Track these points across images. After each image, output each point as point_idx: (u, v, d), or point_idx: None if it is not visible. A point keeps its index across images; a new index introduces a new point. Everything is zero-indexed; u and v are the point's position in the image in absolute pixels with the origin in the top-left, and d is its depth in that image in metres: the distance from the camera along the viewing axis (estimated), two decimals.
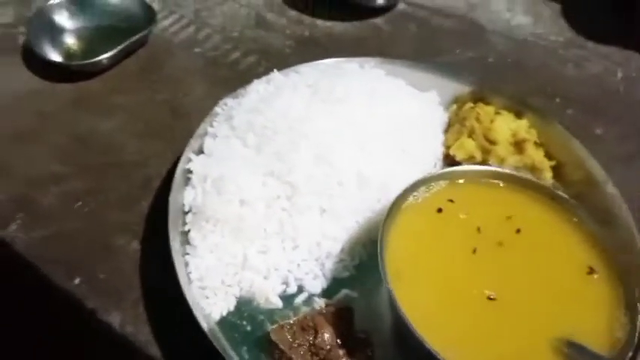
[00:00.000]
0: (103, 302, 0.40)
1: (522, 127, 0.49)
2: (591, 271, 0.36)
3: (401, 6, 0.69)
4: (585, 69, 0.63)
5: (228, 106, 0.46)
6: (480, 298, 0.34)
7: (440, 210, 0.39)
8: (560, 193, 0.40)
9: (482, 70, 0.60)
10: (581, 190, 0.45)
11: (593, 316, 0.34)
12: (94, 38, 0.59)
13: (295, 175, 0.40)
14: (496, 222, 0.38)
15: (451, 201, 0.39)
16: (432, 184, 0.40)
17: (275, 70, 0.49)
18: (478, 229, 0.38)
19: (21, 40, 0.59)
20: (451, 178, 0.41)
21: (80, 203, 0.45)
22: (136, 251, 0.42)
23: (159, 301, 0.39)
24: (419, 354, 0.32)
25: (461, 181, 0.41)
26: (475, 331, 0.33)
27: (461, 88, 0.53)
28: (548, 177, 0.47)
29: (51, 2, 0.58)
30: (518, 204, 0.39)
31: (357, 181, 0.42)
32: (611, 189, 0.44)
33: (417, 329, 0.32)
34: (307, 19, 0.67)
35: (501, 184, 0.41)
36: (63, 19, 0.59)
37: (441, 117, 0.51)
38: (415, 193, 0.39)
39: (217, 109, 0.46)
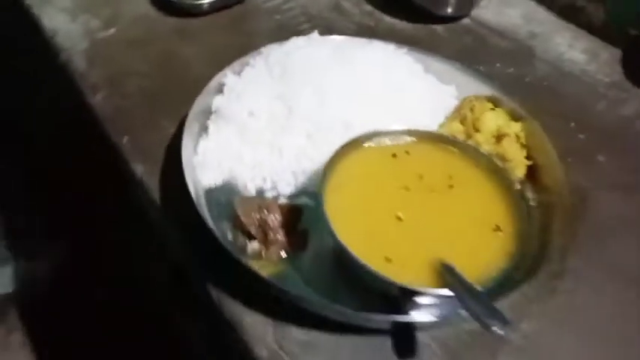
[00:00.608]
0: (134, 157, 0.54)
1: (512, 127, 0.54)
2: (497, 228, 0.42)
3: (465, 20, 0.77)
4: (617, 108, 0.65)
5: (271, 48, 0.58)
6: (391, 217, 0.42)
7: (394, 155, 0.47)
8: (500, 164, 0.47)
9: (514, 84, 0.66)
10: (548, 198, 0.50)
11: (479, 257, 0.40)
12: None
13: (295, 101, 0.51)
14: (437, 175, 0.46)
15: (407, 152, 0.47)
16: (397, 137, 0.48)
17: (316, 31, 0.60)
18: (419, 177, 0.45)
19: None
20: (415, 136, 0.49)
21: (148, 95, 0.61)
22: (170, 133, 0.55)
23: (173, 166, 0.52)
24: (335, 249, 0.41)
25: (423, 140, 0.48)
26: (380, 240, 0.41)
27: (481, 90, 0.59)
28: (520, 172, 0.52)
29: None
30: (462, 167, 0.46)
31: (345, 125, 0.51)
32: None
33: (335, 227, 0.41)
34: (378, 13, 0.77)
35: (455, 151, 0.48)
36: None
37: (449, 107, 0.58)
38: (380, 139, 0.48)
39: (262, 49, 0.58)
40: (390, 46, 0.61)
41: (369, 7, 0.78)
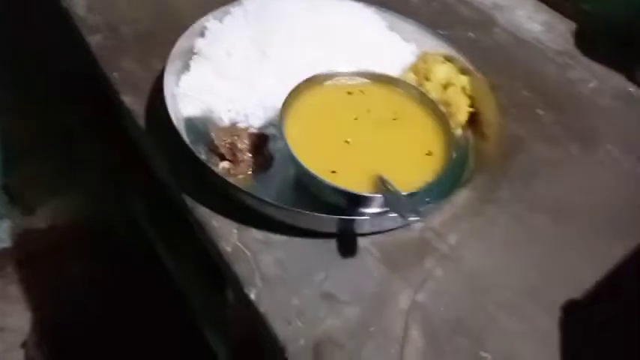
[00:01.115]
0: (124, 89, 0.61)
1: (460, 79, 0.61)
2: (429, 153, 0.49)
3: None
4: (564, 73, 0.72)
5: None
6: (340, 141, 0.50)
7: (350, 93, 0.55)
8: (437, 103, 0.54)
9: (472, 48, 0.73)
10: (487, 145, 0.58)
11: (411, 173, 0.48)
12: None
13: (268, 47, 0.58)
14: (383, 110, 0.53)
15: (362, 91, 0.55)
16: (355, 78, 0.56)
17: None
18: (368, 110, 0.53)
19: None
20: (370, 78, 0.56)
21: (142, 38, 0.67)
22: (159, 69, 0.61)
23: (158, 98, 0.59)
24: (292, 165, 0.48)
25: (376, 82, 0.56)
26: (329, 158, 0.49)
27: (438, 48, 0.66)
28: (462, 118, 0.59)
29: None
30: (407, 107, 0.54)
31: (311, 66, 0.57)
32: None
33: (292, 148, 0.48)
34: None
35: (403, 92, 0.55)
36: None
37: (408, 61, 0.65)
38: (340, 78, 0.55)
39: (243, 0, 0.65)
40: (359, 4, 0.68)
41: None
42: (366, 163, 0.48)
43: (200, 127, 0.56)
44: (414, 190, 0.45)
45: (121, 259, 1.13)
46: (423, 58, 0.63)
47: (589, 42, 0.77)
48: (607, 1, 0.77)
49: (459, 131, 0.59)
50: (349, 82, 0.55)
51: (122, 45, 0.66)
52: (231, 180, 0.50)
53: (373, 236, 0.50)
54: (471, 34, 0.76)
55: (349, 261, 0.48)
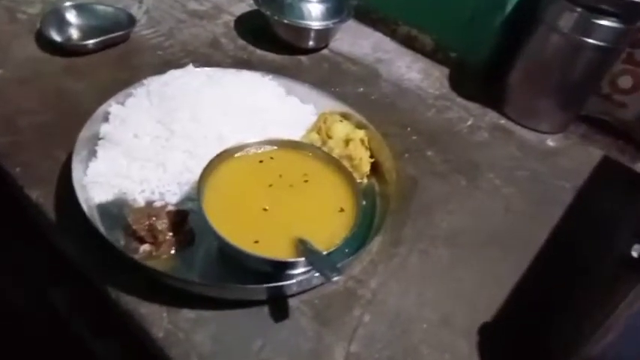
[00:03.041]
0: (28, 183, 0.59)
1: (357, 133, 0.67)
2: (341, 210, 0.54)
3: (325, 51, 0.92)
4: (444, 114, 0.82)
5: (152, 80, 0.67)
6: (259, 209, 0.53)
7: (261, 161, 0.58)
8: (345, 163, 0.60)
9: (363, 101, 0.80)
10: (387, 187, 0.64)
11: (327, 232, 0.51)
12: (89, 32, 0.82)
13: (174, 124, 0.60)
14: (294, 174, 0.57)
15: (272, 158, 0.59)
16: (263, 146, 0.59)
17: (191, 64, 0.70)
18: (280, 175, 0.57)
19: (38, 24, 0.83)
20: (277, 145, 0.60)
21: (41, 129, 0.66)
22: (63, 160, 0.61)
23: (66, 189, 0.58)
24: (216, 240, 0.50)
25: (283, 148, 0.60)
26: (246, 224, 0.51)
27: (334, 107, 0.72)
28: (365, 168, 0.65)
29: (66, 4, 0.83)
30: (315, 167, 0.58)
31: (217, 138, 0.61)
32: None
33: (213, 223, 0.50)
34: (250, 47, 0.89)
35: (310, 154, 0.60)
36: (71, 16, 0.83)
37: (308, 123, 0.71)
38: (250, 149, 0.59)
39: (144, 81, 0.67)
40: (257, 74, 0.73)
41: (242, 42, 0.90)
42: (285, 228, 0.51)
43: (114, 211, 0.56)
44: (332, 248, 0.49)
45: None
46: (323, 118, 0.69)
47: (461, 84, 0.89)
48: (468, 49, 0.89)
49: (364, 181, 0.65)
50: (259, 151, 0.59)
51: (20, 139, 0.64)
52: (152, 264, 0.51)
53: (301, 295, 0.52)
54: (360, 88, 0.84)
55: (283, 324, 0.50)
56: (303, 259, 0.48)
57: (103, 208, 0.56)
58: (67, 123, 0.66)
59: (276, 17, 0.85)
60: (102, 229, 0.52)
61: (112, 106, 0.63)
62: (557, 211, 0.68)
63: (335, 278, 0.44)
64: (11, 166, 0.61)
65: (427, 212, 0.64)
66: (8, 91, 0.71)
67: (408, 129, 0.77)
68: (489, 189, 0.70)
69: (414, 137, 0.76)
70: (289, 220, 0.52)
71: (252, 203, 0.53)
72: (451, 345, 0.51)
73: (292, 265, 0.49)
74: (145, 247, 0.53)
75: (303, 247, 0.49)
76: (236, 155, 0.58)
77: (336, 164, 0.59)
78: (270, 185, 0.55)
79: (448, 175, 0.71)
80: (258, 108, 0.66)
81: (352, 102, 0.74)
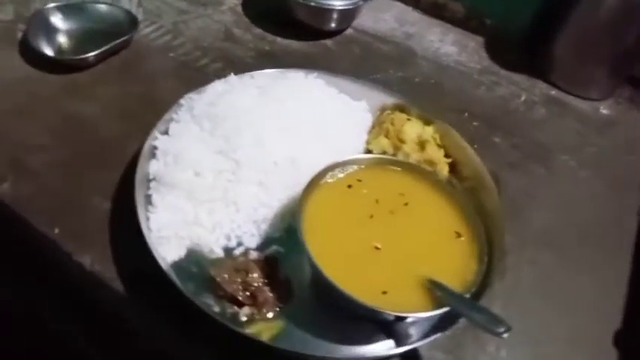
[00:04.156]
0: (77, 247, 0.49)
1: (428, 131, 0.61)
2: (458, 235, 0.48)
3: (349, 31, 0.82)
4: (494, 92, 0.76)
5: (191, 98, 0.57)
6: (370, 249, 0.46)
7: (350, 186, 0.50)
8: (441, 176, 0.53)
9: (408, 87, 0.73)
10: (470, 184, 0.57)
11: (453, 265, 0.45)
12: (84, 39, 0.69)
13: (238, 154, 0.51)
14: (391, 196, 0.50)
15: (359, 180, 0.51)
16: (347, 167, 0.52)
17: (232, 74, 0.60)
18: (376, 201, 0.49)
19: (19, 35, 0.69)
20: (361, 163, 0.52)
21: (62, 169, 0.55)
22: (107, 210, 0.52)
23: (123, 247, 0.49)
24: (325, 289, 0.43)
25: (369, 166, 0.52)
26: (363, 271, 0.44)
27: (386, 100, 0.64)
28: (444, 171, 0.59)
29: (48, 6, 0.69)
30: (409, 184, 0.51)
31: (289, 163, 0.52)
32: (489, 182, 0.56)
33: (322, 269, 0.43)
34: (269, 36, 0.78)
35: (399, 170, 0.53)
36: (58, 20, 0.69)
37: (367, 121, 0.62)
38: (332, 173, 0.51)
39: (182, 100, 0.56)
40: (300, 73, 0.63)
41: (258, 31, 0.79)
42: (407, 269, 0.44)
43: (193, 270, 0.48)
44: (472, 288, 0.43)
45: None
46: (389, 119, 0.61)
47: (500, 55, 0.82)
48: (506, 15, 0.82)
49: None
50: (344, 174, 0.51)
51: (41, 187, 0.53)
52: (265, 338, 0.43)
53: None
54: (400, 72, 0.76)
55: None
56: (447, 309, 0.42)
57: (179, 268, 0.47)
58: (90, 158, 0.56)
59: (300, 0, 0.75)
60: (189, 294, 0.44)
61: (158, 139, 0.53)
62: (637, 193, 0.65)
63: (505, 335, 0.39)
64: (46, 226, 0.50)
65: (517, 211, 0.59)
66: (6, 126, 0.59)
67: (466, 114, 0.71)
68: (567, 174, 0.66)
69: (475, 123, 0.70)
70: (407, 257, 0.46)
71: (360, 243, 0.46)
72: None
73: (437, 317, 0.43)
74: (246, 311, 0.45)
75: (437, 291, 0.43)
76: (322, 182, 0.50)
77: (431, 177, 0.52)
78: (371, 216, 0.48)
79: (522, 163, 0.66)
80: (317, 118, 0.57)
81: (398, 89, 0.67)
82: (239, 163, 0.51)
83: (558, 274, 0.55)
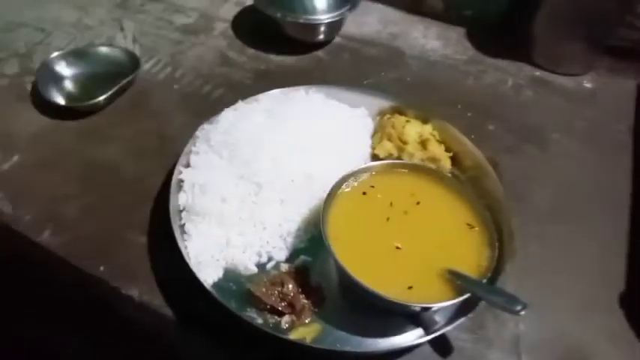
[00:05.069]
0: (123, 281, 0.53)
1: (426, 130, 0.65)
2: (471, 226, 0.52)
3: (337, 39, 0.86)
4: (482, 80, 0.80)
5: (205, 129, 0.61)
6: (391, 249, 0.50)
7: (364, 193, 0.55)
8: (447, 174, 0.57)
9: (402, 87, 0.77)
10: (472, 173, 0.62)
11: (468, 254, 0.50)
12: (90, 82, 0.72)
13: (259, 177, 0.55)
14: (403, 198, 0.54)
15: (372, 186, 0.55)
16: (360, 175, 0.56)
17: (240, 100, 0.64)
18: (390, 204, 0.54)
19: (29, 87, 0.73)
20: (371, 170, 0.57)
21: (94, 211, 0.59)
22: (144, 243, 0.56)
23: (165, 276, 0.53)
24: (354, 290, 0.48)
25: (379, 172, 0.57)
26: (388, 270, 0.49)
27: (383, 103, 0.68)
28: (447, 165, 0.63)
29: (53, 55, 0.72)
30: (418, 184, 0.56)
31: (305, 178, 0.57)
32: (490, 170, 0.60)
33: (350, 271, 0.47)
34: (262, 54, 0.82)
35: (406, 172, 0.57)
36: (63, 68, 0.73)
37: (368, 126, 0.67)
38: (347, 183, 0.55)
39: (197, 132, 0.60)
40: (301, 91, 0.67)
41: (252, 51, 0.82)
42: (427, 263, 0.49)
43: (233, 287, 0.52)
44: (487, 273, 0.48)
45: None
46: (390, 123, 0.65)
47: (483, 43, 0.86)
48: (483, 3, 0.86)
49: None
50: (357, 182, 0.55)
51: (80, 232, 0.57)
52: (308, 341, 0.48)
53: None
54: (391, 74, 0.80)
55: (451, 357, 0.50)
56: (467, 295, 0.46)
57: (220, 288, 0.52)
58: (118, 198, 0.60)
59: (288, 18, 0.78)
60: (236, 311, 0.48)
61: (183, 172, 0.57)
62: (628, 157, 0.69)
63: (522, 312, 0.43)
64: (92, 267, 0.54)
65: (518, 193, 0.63)
66: (34, 179, 0.63)
67: (459, 106, 0.75)
68: (560, 150, 0.70)
69: (469, 114, 0.74)
70: (426, 253, 0.50)
71: (382, 244, 0.51)
72: (607, 326, 0.52)
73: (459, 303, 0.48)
74: (287, 319, 0.50)
75: (457, 279, 0.47)
76: (339, 193, 0.54)
77: (436, 174, 0.57)
78: (388, 219, 0.53)
79: (519, 147, 0.70)
80: (324, 131, 0.62)
81: (393, 91, 0.71)
82: (260, 185, 0.55)
83: (564, 245, 0.59)
